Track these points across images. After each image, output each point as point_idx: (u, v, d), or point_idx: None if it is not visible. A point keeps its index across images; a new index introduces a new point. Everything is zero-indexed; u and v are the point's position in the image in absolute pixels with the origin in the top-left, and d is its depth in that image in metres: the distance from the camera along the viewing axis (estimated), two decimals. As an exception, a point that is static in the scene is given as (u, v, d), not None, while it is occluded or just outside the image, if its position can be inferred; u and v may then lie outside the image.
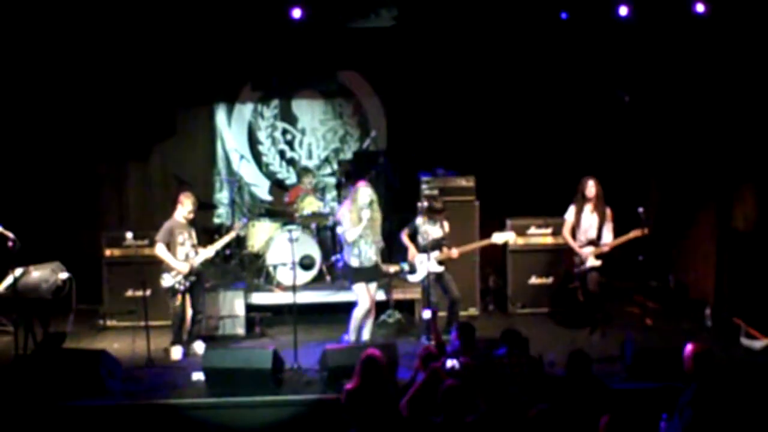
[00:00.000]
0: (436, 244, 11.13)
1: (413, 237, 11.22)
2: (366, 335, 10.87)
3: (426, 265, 11.00)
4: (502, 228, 11.88)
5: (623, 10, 12.20)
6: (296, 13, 12.45)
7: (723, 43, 11.70)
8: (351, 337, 10.79)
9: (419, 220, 11.26)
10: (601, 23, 12.84)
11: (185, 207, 10.96)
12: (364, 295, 10.73)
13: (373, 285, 10.92)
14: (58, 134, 13.83)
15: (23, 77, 13.28)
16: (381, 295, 11.85)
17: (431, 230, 11.17)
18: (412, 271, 11.20)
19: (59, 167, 14.02)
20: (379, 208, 10.84)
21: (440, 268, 11.18)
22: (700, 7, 11.58)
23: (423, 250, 11.05)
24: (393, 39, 13.67)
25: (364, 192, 10.65)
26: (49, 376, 9.46)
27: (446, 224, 11.29)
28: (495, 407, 7.51)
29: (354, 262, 10.70)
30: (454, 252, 11.21)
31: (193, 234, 11.07)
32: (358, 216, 10.59)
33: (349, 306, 11.06)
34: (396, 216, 12.55)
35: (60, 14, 12.29)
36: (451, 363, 8.03)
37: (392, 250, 11.66)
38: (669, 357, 9.02)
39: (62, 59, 13.38)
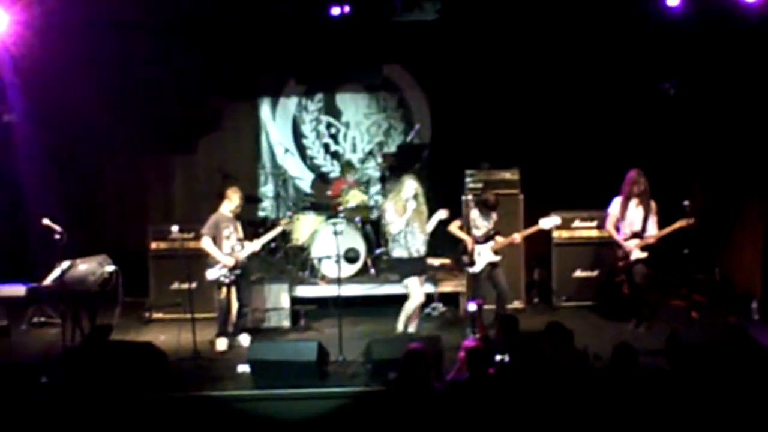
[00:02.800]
0: (491, 235, 11.11)
1: (462, 229, 11.15)
2: (412, 328, 10.87)
3: (485, 256, 11.00)
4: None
5: (672, 1, 12.04)
6: (335, 10, 12.50)
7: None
8: (399, 328, 10.78)
9: (473, 213, 11.21)
10: (647, 14, 12.71)
11: (233, 202, 11.03)
12: (416, 288, 10.71)
13: (422, 278, 10.91)
14: (104, 129, 13.87)
15: (69, 73, 13.37)
16: (426, 288, 11.82)
17: (484, 221, 11.13)
18: (472, 263, 11.10)
19: (106, 161, 14.17)
20: (425, 201, 10.79)
21: (497, 258, 11.12)
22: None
23: (479, 241, 11.04)
24: (437, 32, 13.65)
25: (410, 185, 10.62)
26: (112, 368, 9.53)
27: (494, 214, 11.23)
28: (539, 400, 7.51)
29: (401, 253, 10.67)
30: (517, 237, 11.16)
31: (239, 227, 11.13)
32: (402, 207, 10.59)
33: (393, 299, 11.08)
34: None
35: (108, 12, 12.40)
36: (500, 356, 8.05)
37: (437, 243, 11.60)
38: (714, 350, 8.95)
39: (109, 54, 13.43)
